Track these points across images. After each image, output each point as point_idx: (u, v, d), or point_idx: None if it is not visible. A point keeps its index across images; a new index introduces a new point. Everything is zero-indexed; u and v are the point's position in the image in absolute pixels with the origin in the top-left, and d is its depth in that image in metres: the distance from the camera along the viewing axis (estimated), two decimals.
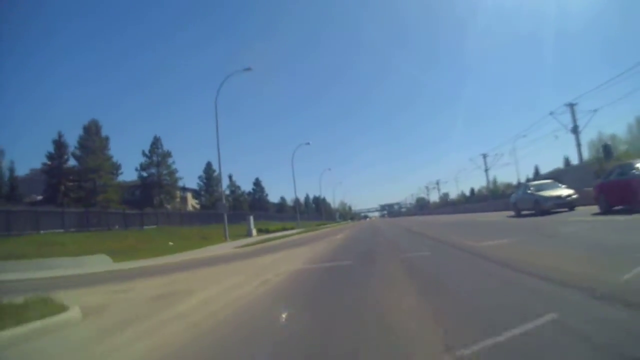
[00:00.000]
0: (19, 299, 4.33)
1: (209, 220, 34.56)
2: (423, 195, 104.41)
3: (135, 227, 25.37)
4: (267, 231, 33.98)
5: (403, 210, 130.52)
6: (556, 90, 75.14)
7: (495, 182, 66.00)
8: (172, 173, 34.91)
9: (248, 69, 23.10)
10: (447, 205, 67.28)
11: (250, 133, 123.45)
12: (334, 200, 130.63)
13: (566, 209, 13.55)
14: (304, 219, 62.87)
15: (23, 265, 12.60)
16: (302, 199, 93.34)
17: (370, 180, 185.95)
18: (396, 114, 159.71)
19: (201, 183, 43.74)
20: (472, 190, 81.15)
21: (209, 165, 43.90)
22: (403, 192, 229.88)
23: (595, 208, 11.32)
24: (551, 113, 27.42)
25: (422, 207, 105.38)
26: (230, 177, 54.85)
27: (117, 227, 23.22)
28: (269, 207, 68.97)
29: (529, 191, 15.12)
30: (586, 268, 3.76)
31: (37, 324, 3.62)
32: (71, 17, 74.22)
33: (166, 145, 34.85)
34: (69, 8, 72.87)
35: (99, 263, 13.24)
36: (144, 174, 34.14)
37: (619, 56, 62.00)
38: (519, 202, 15.75)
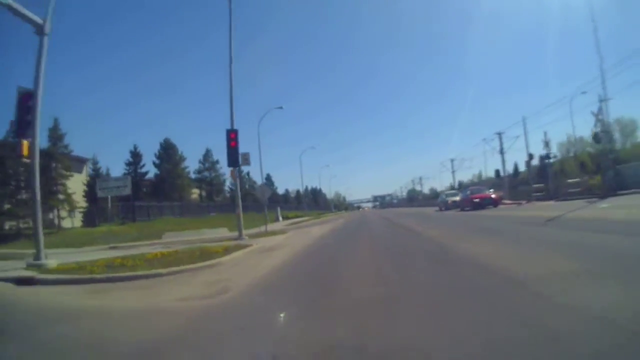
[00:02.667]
0: (267, 233, 17.71)
1: (243, 209, 48.11)
2: (414, 187, 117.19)
3: (205, 213, 38.57)
4: (288, 217, 47.20)
5: (395, 201, 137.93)
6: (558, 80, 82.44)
7: (480, 176, 78.10)
8: (219, 176, 48.20)
9: (280, 107, 35.89)
10: (436, 198, 79.88)
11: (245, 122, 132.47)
12: (330, 190, 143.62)
13: (458, 208, 27.03)
14: (305, 209, 76.43)
15: (190, 233, 25.74)
16: (301, 189, 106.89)
17: (364, 170, 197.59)
18: (391, 103, 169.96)
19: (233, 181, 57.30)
20: (460, 184, 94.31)
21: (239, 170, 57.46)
22: (397, 182, 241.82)
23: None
24: (484, 139, 40.50)
25: (411, 199, 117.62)
26: (248, 173, 67.95)
27: (210, 214, 36.57)
28: (278, 199, 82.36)
29: (443, 196, 28.74)
30: (439, 230, 17.13)
31: (286, 234, 17.01)
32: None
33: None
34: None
35: (227, 231, 26.38)
36: (199, 176, 47.43)
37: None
38: (439, 202, 29.36)
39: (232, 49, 16.29)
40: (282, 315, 3.58)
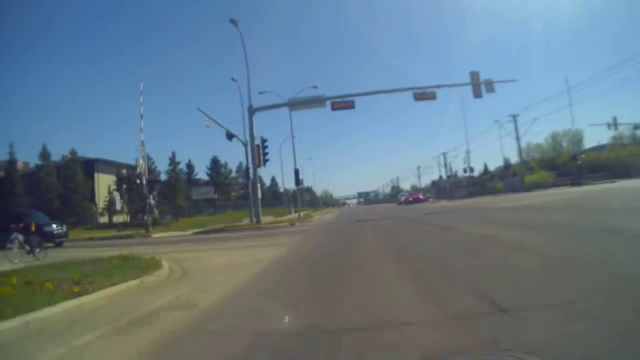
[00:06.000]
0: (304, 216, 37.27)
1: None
2: (393, 185, 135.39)
3: (241, 209, 57.60)
4: (296, 211, 66.64)
5: (380, 197, 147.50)
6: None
7: (456, 174, 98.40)
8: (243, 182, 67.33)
9: (294, 135, 55.04)
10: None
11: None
12: (319, 188, 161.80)
13: (404, 203, 46.98)
14: (301, 205, 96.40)
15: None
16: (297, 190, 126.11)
17: (350, 166, 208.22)
18: (377, 99, 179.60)
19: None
20: (437, 180, 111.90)
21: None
22: (384, 178, 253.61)
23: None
24: (418, 167, 60.95)
25: (392, 195, 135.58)
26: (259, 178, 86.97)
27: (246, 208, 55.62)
28: (281, 197, 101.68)
29: (399, 196, 48.86)
30: (383, 210, 36.99)
31: (317, 217, 36.54)
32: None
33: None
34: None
35: (272, 217, 45.37)
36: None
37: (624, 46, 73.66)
38: (397, 199, 49.36)
39: (295, 153, 35.45)
40: (340, 220, 23.19)
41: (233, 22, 21.87)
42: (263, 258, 7.08)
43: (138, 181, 23.25)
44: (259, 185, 20.84)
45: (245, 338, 2.74)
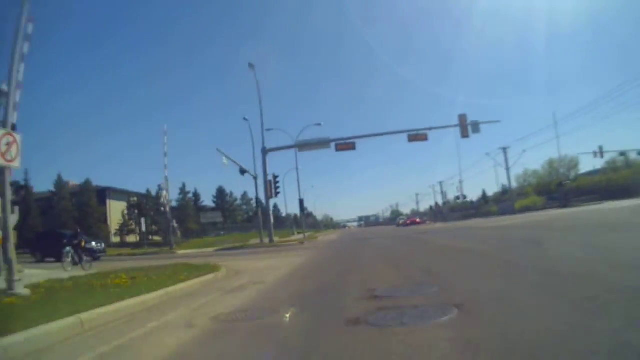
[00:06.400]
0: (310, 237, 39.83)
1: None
2: (393, 210, 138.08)
3: (245, 231, 60.07)
4: (299, 233, 69.02)
5: (380, 221, 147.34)
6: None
7: (457, 198, 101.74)
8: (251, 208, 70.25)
9: (298, 168, 58.14)
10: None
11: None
12: (320, 212, 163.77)
13: (402, 225, 49.47)
14: (302, 228, 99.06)
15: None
16: (299, 214, 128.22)
17: (351, 191, 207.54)
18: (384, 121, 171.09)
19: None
20: (441, 204, 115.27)
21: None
22: (385, 202, 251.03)
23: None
24: (417, 194, 64.00)
25: (392, 219, 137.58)
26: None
27: (252, 230, 58.16)
28: (283, 220, 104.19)
29: (398, 219, 51.47)
30: (379, 231, 39.46)
31: (322, 237, 39.10)
32: None
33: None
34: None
35: (278, 238, 47.69)
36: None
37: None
38: (396, 222, 51.88)
39: (300, 183, 38.53)
40: (343, 239, 25.78)
41: (251, 66, 25.21)
42: (292, 263, 9.78)
43: (162, 209, 26.26)
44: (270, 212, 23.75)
45: (297, 291, 5.47)
